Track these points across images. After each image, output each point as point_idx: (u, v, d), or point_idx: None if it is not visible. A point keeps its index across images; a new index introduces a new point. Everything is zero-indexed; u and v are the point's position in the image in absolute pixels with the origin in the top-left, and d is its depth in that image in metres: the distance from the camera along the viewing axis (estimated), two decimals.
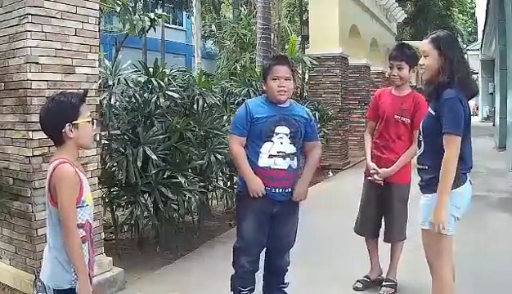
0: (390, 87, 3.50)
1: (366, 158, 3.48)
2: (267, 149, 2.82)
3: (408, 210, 3.39)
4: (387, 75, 3.48)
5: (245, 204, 2.89)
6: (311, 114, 3.04)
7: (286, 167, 2.83)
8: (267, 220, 2.90)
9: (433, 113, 2.48)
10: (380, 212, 3.44)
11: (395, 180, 3.33)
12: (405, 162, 3.31)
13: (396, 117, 3.33)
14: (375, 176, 3.32)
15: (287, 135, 2.83)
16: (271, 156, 2.82)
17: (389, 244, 3.50)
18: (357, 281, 3.52)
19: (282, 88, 2.83)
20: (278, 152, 2.82)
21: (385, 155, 3.35)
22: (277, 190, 2.84)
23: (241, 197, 2.95)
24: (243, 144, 2.88)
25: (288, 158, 2.83)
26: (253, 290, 2.98)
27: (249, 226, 2.90)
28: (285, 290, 3.04)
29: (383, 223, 3.50)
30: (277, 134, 2.83)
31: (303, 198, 2.94)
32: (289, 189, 2.86)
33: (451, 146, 2.36)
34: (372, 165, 3.37)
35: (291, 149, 2.85)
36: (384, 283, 3.44)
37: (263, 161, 2.82)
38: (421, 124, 2.61)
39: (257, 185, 2.80)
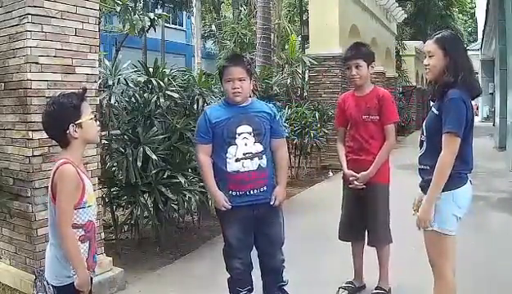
0: (352, 90, 3.43)
1: (342, 167, 3.39)
2: (232, 153, 2.74)
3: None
4: (347, 76, 3.36)
5: (225, 213, 2.83)
6: (274, 110, 2.96)
7: (256, 168, 2.76)
8: (250, 222, 2.84)
9: (437, 112, 2.47)
10: (362, 215, 3.31)
11: (373, 181, 3.23)
12: (382, 159, 3.22)
13: (364, 117, 3.26)
14: (355, 182, 3.24)
15: (250, 133, 2.76)
16: (237, 159, 2.74)
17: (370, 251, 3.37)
18: (340, 288, 3.42)
19: (236, 90, 2.76)
20: (244, 154, 2.74)
21: (362, 157, 3.27)
22: (252, 192, 2.77)
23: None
24: (209, 153, 2.83)
25: (256, 158, 2.76)
26: (252, 290, 2.95)
27: (232, 231, 2.86)
28: (285, 288, 2.98)
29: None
30: (240, 134, 2.75)
31: (282, 201, 2.89)
32: (265, 188, 2.80)
33: (450, 146, 2.36)
34: (349, 172, 3.30)
35: (258, 147, 2.77)
36: (374, 291, 3.32)
37: (231, 166, 2.75)
38: (424, 123, 2.60)
39: (219, 201, 2.79)
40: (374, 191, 3.26)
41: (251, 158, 2.76)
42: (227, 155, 2.75)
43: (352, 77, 3.29)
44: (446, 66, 2.44)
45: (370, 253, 3.41)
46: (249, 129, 2.77)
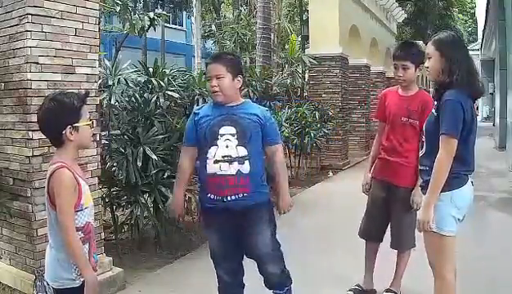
0: (396, 87, 3.33)
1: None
2: (212, 153, 2.57)
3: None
4: (393, 76, 3.29)
5: (205, 217, 2.78)
6: (268, 114, 2.74)
7: (234, 173, 2.54)
8: (230, 229, 2.68)
9: (435, 113, 2.47)
10: (386, 216, 3.27)
11: (403, 184, 3.17)
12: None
13: (403, 119, 3.17)
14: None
15: (233, 135, 2.57)
16: (216, 161, 2.56)
17: (385, 256, 3.35)
18: (349, 290, 3.39)
19: (214, 88, 2.60)
20: (223, 156, 2.55)
21: (393, 158, 3.21)
22: (229, 198, 2.56)
23: (202, 210, 2.82)
24: (193, 155, 2.72)
25: (235, 163, 2.55)
26: None
27: (212, 240, 2.75)
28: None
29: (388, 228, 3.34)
30: (222, 135, 2.57)
31: (288, 210, 2.77)
32: (244, 194, 2.57)
33: (446, 147, 2.35)
34: (365, 181, 3.39)
35: (240, 151, 2.56)
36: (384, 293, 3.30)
37: (209, 167, 2.57)
38: (424, 125, 2.60)
39: (172, 207, 2.77)
40: (399, 194, 3.19)
41: (230, 162, 2.55)
42: (208, 156, 2.59)
43: (397, 77, 3.20)
44: (443, 67, 2.45)
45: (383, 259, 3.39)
46: (233, 131, 2.58)
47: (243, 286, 2.87)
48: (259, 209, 2.67)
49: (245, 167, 2.57)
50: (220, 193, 2.58)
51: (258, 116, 2.66)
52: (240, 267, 2.81)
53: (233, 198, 2.57)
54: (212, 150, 2.58)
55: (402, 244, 3.26)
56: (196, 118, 2.69)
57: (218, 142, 2.58)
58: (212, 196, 2.61)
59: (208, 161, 2.58)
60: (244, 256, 2.81)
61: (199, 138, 2.66)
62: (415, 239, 3.19)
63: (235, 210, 2.59)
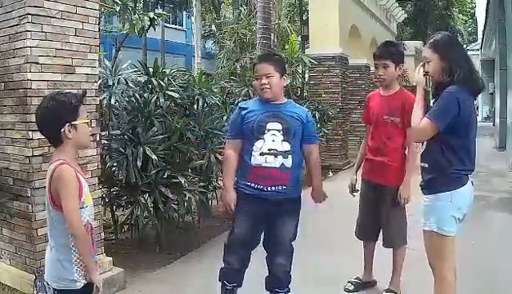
0: (379, 89, 3.43)
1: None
2: (258, 146, 2.78)
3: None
4: (375, 75, 3.39)
5: (239, 203, 2.88)
6: (309, 115, 2.98)
7: (278, 166, 2.76)
8: (261, 220, 2.87)
9: None
10: (378, 215, 3.33)
11: (388, 183, 3.24)
12: (412, 168, 3.17)
13: (384, 117, 3.25)
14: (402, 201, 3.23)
15: (279, 131, 2.78)
16: (262, 154, 2.77)
17: (386, 249, 3.38)
18: (348, 282, 3.48)
19: (264, 86, 2.81)
20: (269, 149, 2.77)
21: (377, 158, 3.29)
22: (270, 189, 2.78)
23: (237, 196, 2.92)
24: (238, 148, 2.89)
25: (280, 156, 2.77)
26: (240, 286, 2.98)
27: (239, 226, 2.89)
28: None
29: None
30: (269, 130, 2.78)
31: (322, 201, 2.99)
32: (284, 187, 2.79)
33: (422, 127, 2.41)
34: (350, 182, 3.48)
35: (285, 146, 2.78)
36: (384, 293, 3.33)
37: (255, 159, 2.78)
38: None
39: (227, 199, 2.85)
40: (387, 193, 3.25)
41: (275, 155, 2.77)
42: (253, 148, 2.79)
43: (379, 76, 3.29)
44: (442, 68, 2.45)
45: (383, 252, 3.41)
46: (279, 127, 2.79)
47: (243, 274, 2.98)
48: (294, 202, 2.89)
49: (288, 161, 2.79)
50: (261, 183, 2.78)
51: (300, 115, 2.89)
52: (249, 257, 2.95)
53: (273, 189, 2.78)
54: (258, 143, 2.78)
55: (394, 242, 3.31)
56: (243, 113, 2.87)
57: (265, 136, 2.78)
58: (252, 184, 2.81)
59: (253, 153, 2.79)
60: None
61: (246, 131, 2.84)
62: (407, 236, 3.29)
63: (272, 200, 2.79)
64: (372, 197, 3.34)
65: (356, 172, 3.52)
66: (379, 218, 3.32)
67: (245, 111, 2.86)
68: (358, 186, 3.48)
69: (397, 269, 3.33)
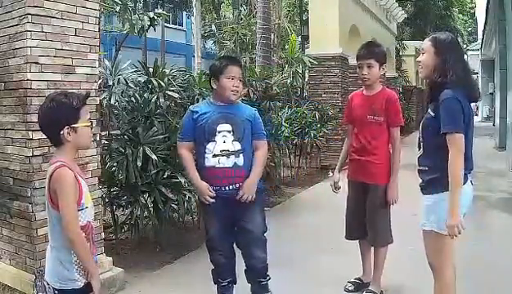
0: (362, 89, 3.44)
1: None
2: (210, 149, 2.87)
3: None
4: (358, 75, 3.39)
5: (205, 204, 2.95)
6: (257, 114, 3.06)
7: (231, 165, 2.86)
8: (228, 216, 2.95)
9: (432, 114, 2.47)
10: (364, 214, 3.33)
11: (373, 181, 3.27)
12: (398, 166, 3.26)
13: (368, 117, 3.27)
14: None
15: (230, 132, 2.87)
16: (215, 155, 2.86)
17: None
18: (348, 282, 3.48)
19: (235, 88, 2.91)
20: (221, 151, 2.86)
21: (364, 158, 3.31)
22: (227, 188, 2.87)
23: (200, 199, 3.02)
24: (190, 149, 2.98)
25: (232, 156, 2.86)
26: (234, 282, 3.06)
27: (210, 225, 3.01)
28: (265, 284, 3.02)
29: None
30: (220, 132, 2.87)
31: (249, 195, 2.88)
32: (240, 184, 2.88)
33: (454, 144, 2.35)
34: (335, 177, 3.51)
35: (236, 146, 2.88)
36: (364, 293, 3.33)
37: (208, 161, 2.87)
38: (420, 125, 2.61)
39: (203, 191, 2.88)
40: (372, 192, 3.28)
41: (227, 156, 2.86)
42: (206, 151, 2.87)
43: (362, 76, 3.30)
44: (435, 65, 2.45)
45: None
46: (229, 128, 2.88)
47: (234, 268, 3.07)
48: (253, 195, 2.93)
49: (240, 160, 2.89)
50: (218, 183, 2.87)
51: (249, 115, 2.99)
52: (233, 250, 3.05)
53: (231, 187, 2.88)
54: (210, 146, 2.87)
55: (378, 240, 3.32)
56: (195, 116, 2.94)
57: (216, 138, 2.87)
58: (210, 186, 2.88)
59: (206, 155, 2.87)
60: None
61: (197, 134, 2.92)
62: (391, 235, 3.31)
63: (232, 198, 2.87)
64: (360, 196, 3.35)
65: (339, 171, 3.55)
66: (365, 216, 3.32)
67: (197, 114, 2.93)
68: (341, 184, 3.51)
69: (378, 268, 3.33)
